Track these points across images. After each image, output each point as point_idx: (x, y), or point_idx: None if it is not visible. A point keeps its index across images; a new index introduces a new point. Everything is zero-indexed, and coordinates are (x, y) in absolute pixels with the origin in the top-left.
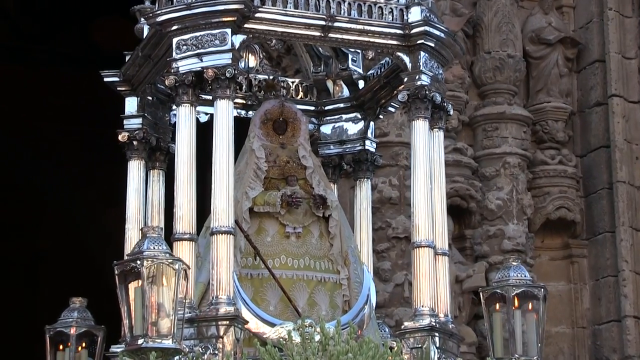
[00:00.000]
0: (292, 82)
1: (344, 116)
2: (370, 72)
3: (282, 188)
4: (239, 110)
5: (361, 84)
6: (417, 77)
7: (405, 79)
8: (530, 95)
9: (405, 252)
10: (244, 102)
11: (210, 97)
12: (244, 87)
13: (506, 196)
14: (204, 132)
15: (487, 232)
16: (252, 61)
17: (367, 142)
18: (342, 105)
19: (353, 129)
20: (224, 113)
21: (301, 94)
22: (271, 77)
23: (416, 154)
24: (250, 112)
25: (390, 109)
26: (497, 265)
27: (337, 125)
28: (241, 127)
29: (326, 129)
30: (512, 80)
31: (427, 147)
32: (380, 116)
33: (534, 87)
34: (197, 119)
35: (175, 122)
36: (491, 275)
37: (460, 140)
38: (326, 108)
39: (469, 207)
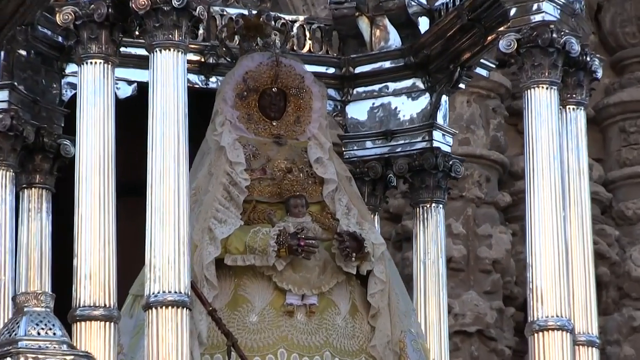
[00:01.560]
0: (294, 22)
1: (392, 85)
2: (442, 0)
3: (279, 220)
4: (193, 76)
5: (424, 23)
6: (533, 7)
7: (512, 12)
8: None
9: (479, 358)
10: (203, 58)
11: (142, 50)
12: (201, 30)
13: None
14: (130, 116)
15: (631, 322)
16: None
17: (437, 135)
18: (388, 64)
19: (409, 109)
20: (169, 76)
21: (310, 43)
22: (254, 12)
23: (535, 148)
24: (214, 79)
25: (479, 70)
26: None
27: (379, 102)
28: (200, 107)
29: (358, 111)
30: None
31: (556, 139)
32: (461, 84)
33: None
34: (116, 93)
35: (72, 95)
36: None
37: None
38: (358, 70)
39: (597, 273)
